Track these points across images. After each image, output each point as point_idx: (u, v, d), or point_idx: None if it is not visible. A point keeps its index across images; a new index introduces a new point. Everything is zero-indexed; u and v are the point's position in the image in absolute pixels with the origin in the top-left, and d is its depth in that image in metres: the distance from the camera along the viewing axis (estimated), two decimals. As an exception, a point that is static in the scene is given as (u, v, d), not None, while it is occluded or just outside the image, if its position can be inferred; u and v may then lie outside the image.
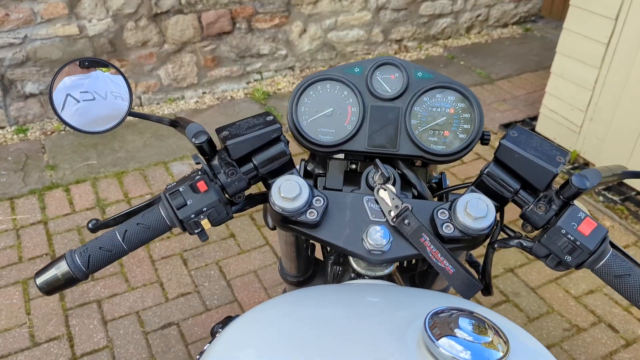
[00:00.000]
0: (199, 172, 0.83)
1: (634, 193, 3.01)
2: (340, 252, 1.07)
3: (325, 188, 1.00)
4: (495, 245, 0.86)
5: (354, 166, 0.99)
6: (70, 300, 2.34)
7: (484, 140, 0.93)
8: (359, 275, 0.92)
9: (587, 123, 3.12)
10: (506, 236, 0.87)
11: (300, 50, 4.22)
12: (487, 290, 0.92)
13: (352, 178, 0.95)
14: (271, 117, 0.87)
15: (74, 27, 3.38)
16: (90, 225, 0.90)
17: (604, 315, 2.35)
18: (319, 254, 1.22)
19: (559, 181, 0.80)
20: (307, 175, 1.09)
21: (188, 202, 0.80)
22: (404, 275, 1.10)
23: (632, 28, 2.75)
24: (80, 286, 2.39)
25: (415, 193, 0.93)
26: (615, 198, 2.98)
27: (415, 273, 1.12)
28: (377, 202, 0.85)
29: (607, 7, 2.81)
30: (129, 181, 3.04)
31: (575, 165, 3.23)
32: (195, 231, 0.82)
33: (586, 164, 3.22)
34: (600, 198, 3.00)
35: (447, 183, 1.08)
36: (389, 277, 0.91)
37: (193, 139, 0.83)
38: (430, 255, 0.78)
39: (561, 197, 0.81)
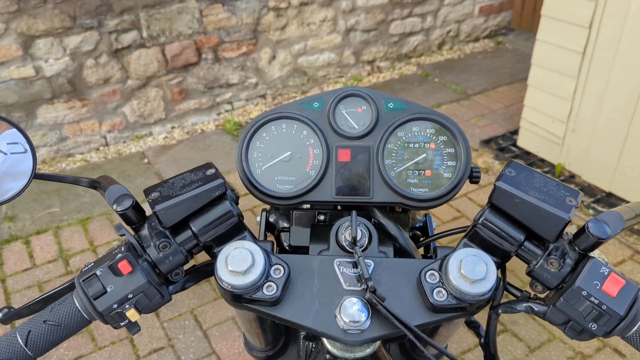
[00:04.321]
0: (122, 248, 0.66)
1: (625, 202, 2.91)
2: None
3: (290, 246, 0.85)
4: (499, 311, 0.72)
5: (322, 217, 0.84)
6: (30, 366, 2.13)
7: (474, 179, 0.79)
8: (335, 358, 0.75)
9: (570, 134, 3.03)
10: (512, 297, 0.72)
11: (271, 77, 4.09)
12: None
13: (321, 232, 0.79)
14: (212, 171, 0.72)
15: (30, 68, 3.21)
16: (0, 315, 0.73)
17: (608, 339, 2.21)
18: None
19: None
20: (270, 228, 0.93)
21: (108, 289, 0.63)
22: (391, 346, 0.94)
23: (606, 35, 2.67)
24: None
25: (397, 245, 0.78)
26: (605, 210, 2.87)
27: (406, 340, 0.95)
28: (354, 265, 0.69)
29: (579, 15, 2.74)
30: (95, 227, 2.85)
31: (562, 178, 3.12)
32: (121, 324, 0.65)
33: (572, 176, 3.12)
34: (591, 211, 2.89)
35: (433, 227, 0.93)
36: (373, 357, 0.75)
37: (114, 206, 0.67)
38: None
39: (576, 248, 0.67)
